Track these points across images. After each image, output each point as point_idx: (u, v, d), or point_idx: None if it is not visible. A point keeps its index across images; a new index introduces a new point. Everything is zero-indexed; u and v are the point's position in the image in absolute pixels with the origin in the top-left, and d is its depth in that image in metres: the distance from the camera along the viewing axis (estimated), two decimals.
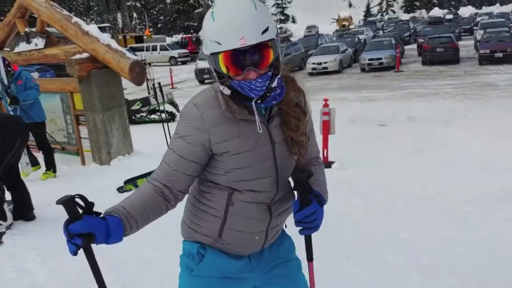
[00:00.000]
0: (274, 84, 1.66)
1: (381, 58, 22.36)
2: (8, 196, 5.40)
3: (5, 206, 5.16)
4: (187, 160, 1.72)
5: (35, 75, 22.52)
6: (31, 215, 5.45)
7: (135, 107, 12.97)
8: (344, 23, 62.96)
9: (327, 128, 7.45)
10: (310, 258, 2.05)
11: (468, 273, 3.62)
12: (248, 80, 1.61)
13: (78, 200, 1.56)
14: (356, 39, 30.09)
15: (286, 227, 2.07)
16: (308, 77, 23.11)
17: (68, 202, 1.52)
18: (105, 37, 7.36)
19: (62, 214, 4.00)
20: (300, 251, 2.08)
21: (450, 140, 8.33)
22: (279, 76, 1.68)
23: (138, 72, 7.11)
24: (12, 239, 4.90)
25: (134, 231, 1.65)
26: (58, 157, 8.45)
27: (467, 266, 3.72)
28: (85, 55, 7.38)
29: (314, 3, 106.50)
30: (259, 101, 1.67)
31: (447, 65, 21.62)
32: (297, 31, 63.60)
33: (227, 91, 1.68)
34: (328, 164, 7.16)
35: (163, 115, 12.66)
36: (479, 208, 4.89)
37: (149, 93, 8.42)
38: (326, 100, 7.61)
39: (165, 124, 7.43)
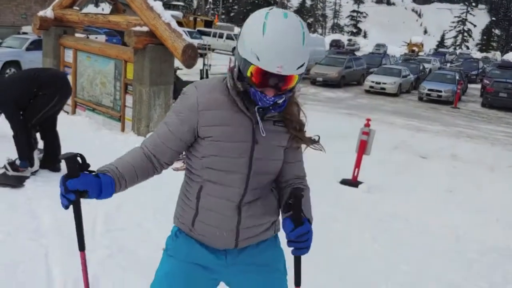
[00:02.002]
0: (281, 101, 1.77)
1: (440, 91, 21.84)
2: (41, 145, 5.66)
3: (35, 153, 5.43)
4: (173, 135, 1.84)
5: (102, 38, 23.32)
6: (57, 167, 5.69)
7: None
8: (414, 48, 61.83)
9: (363, 148, 7.40)
10: (298, 282, 1.96)
11: None
12: (265, 94, 1.71)
13: (78, 159, 1.71)
14: (421, 67, 29.51)
15: (276, 236, 2.10)
16: (364, 94, 22.90)
17: (70, 159, 1.67)
18: (167, 15, 7.55)
19: None
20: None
21: (488, 187, 8.09)
22: (288, 96, 1.79)
23: (190, 55, 7.28)
24: (34, 185, 5.14)
25: (122, 190, 1.82)
26: (101, 119, 8.77)
27: None
28: (144, 28, 7.61)
29: (391, 22, 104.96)
30: (261, 109, 1.79)
31: (507, 111, 20.91)
32: (365, 47, 63.05)
33: (241, 87, 1.76)
34: (356, 184, 7.13)
35: None
36: (490, 259, 4.78)
37: (201, 77, 8.57)
38: (368, 120, 7.56)
39: None
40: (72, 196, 1.67)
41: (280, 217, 1.98)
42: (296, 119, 1.90)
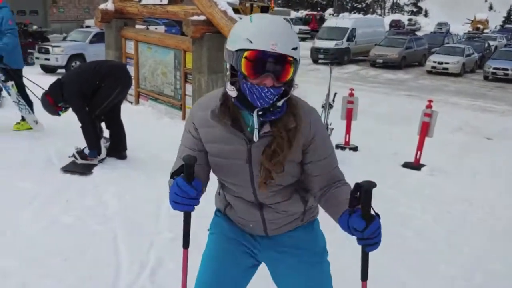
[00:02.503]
0: (280, 103, 1.71)
1: (507, 69, 20.88)
2: (106, 134, 5.90)
3: (102, 142, 5.66)
4: (188, 149, 1.87)
5: (162, 28, 23.80)
6: (123, 155, 5.91)
7: None
8: (478, 25, 59.09)
9: (425, 130, 7.21)
10: (365, 276, 1.84)
11: None
12: (263, 85, 1.64)
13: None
14: (486, 45, 28.26)
15: (313, 222, 2.08)
16: (425, 75, 22.26)
17: (192, 159, 1.68)
18: (223, 3, 7.60)
19: (149, 161, 4.35)
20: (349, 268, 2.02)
21: None
22: (286, 98, 1.73)
23: None
24: (101, 172, 5.37)
25: None
26: (163, 108, 9.00)
27: None
28: (202, 17, 7.70)
29: (453, 0, 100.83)
30: (260, 113, 1.71)
31: None
32: (426, 26, 60.99)
33: (233, 93, 1.71)
34: (418, 167, 6.98)
35: None
36: None
37: None
38: (430, 101, 7.36)
39: None
40: (199, 197, 1.71)
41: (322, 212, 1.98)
42: (286, 128, 1.74)
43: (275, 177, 1.80)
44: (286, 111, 1.75)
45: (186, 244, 1.93)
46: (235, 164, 1.83)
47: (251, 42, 1.60)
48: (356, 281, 1.85)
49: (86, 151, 5.45)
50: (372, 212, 1.66)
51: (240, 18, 7.84)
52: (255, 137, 1.74)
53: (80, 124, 5.37)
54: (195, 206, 1.73)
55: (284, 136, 1.74)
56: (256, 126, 1.73)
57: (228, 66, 1.73)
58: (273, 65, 1.62)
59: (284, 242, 2.04)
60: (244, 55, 1.62)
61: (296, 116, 1.76)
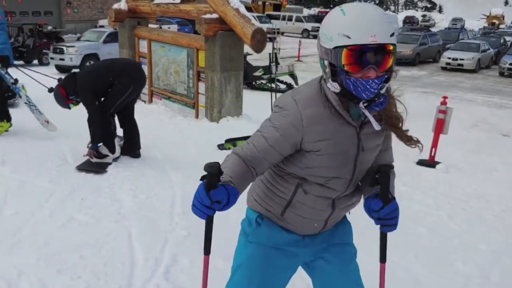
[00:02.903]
0: (383, 90, 1.70)
1: None
2: (120, 132, 5.94)
3: (116, 141, 5.71)
4: (275, 151, 1.79)
5: (174, 27, 23.88)
6: (137, 153, 5.96)
7: (257, 73, 13.24)
8: (494, 21, 58.38)
9: (440, 127, 7.14)
10: (383, 259, 2.00)
11: None
12: (366, 78, 1.63)
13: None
14: (502, 40, 27.88)
15: (349, 213, 2.12)
16: (440, 71, 22.05)
17: (214, 168, 1.63)
18: (236, 1, 7.61)
19: (163, 160, 4.39)
20: (369, 251, 2.06)
21: None
22: (388, 84, 1.72)
23: (259, 40, 7.32)
24: (115, 171, 5.42)
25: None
26: (176, 107, 9.04)
27: None
28: (214, 15, 7.72)
29: None
30: (365, 104, 1.70)
31: None
32: (440, 22, 60.46)
33: (336, 89, 1.69)
34: (433, 164, 6.91)
35: (281, 86, 12.95)
36: None
37: (270, 62, 8.60)
38: (445, 98, 7.28)
39: (275, 94, 7.59)
40: (216, 206, 1.65)
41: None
42: (394, 115, 1.82)
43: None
44: (388, 101, 1.77)
45: (207, 250, 1.90)
46: (345, 155, 1.80)
47: (349, 38, 1.58)
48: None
49: (101, 149, 5.49)
50: (389, 196, 1.79)
51: (254, 16, 7.89)
52: (376, 126, 1.73)
53: (87, 117, 5.42)
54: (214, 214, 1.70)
55: (393, 115, 1.81)
56: (368, 115, 1.72)
57: (326, 63, 1.69)
58: (374, 56, 1.60)
59: (328, 235, 2.06)
60: (344, 52, 1.60)
61: (397, 105, 1.83)
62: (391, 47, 1.61)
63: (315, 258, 2.08)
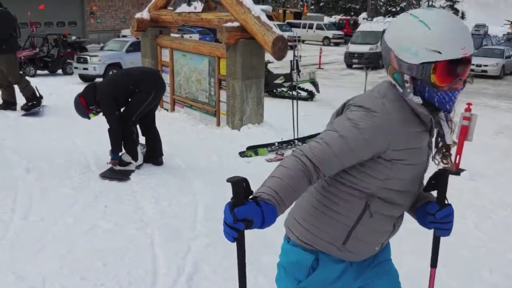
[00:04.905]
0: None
1: None
2: (142, 140, 5.98)
3: (139, 148, 5.75)
4: (353, 155, 1.62)
5: (196, 37, 24.07)
6: (160, 161, 5.99)
7: (278, 81, 13.24)
8: None
9: (464, 133, 7.03)
10: (434, 263, 2.01)
11: None
12: (453, 90, 1.61)
13: (244, 184, 1.51)
14: None
15: None
16: None
17: (239, 183, 1.48)
18: (257, 9, 7.63)
19: (185, 167, 4.38)
20: (417, 255, 2.01)
21: None
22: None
23: (280, 47, 7.32)
24: (138, 178, 5.45)
25: (282, 213, 1.59)
26: (198, 115, 9.08)
27: None
28: (235, 24, 7.75)
29: (490, 1, 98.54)
30: (446, 113, 1.71)
31: None
32: None
33: (418, 100, 1.65)
34: (457, 172, 6.79)
35: (302, 93, 12.92)
36: None
37: (291, 69, 8.60)
38: (469, 104, 7.17)
39: (297, 102, 7.58)
40: (241, 226, 1.46)
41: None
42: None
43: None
44: None
45: (242, 286, 1.64)
46: (421, 166, 1.76)
47: (440, 53, 1.55)
48: None
49: (124, 156, 5.54)
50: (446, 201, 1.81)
51: (275, 25, 7.93)
52: (455, 138, 1.74)
53: (108, 127, 5.46)
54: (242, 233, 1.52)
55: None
56: (445, 125, 1.72)
57: (407, 77, 1.64)
58: (462, 68, 1.59)
59: (380, 254, 1.96)
60: (434, 67, 1.57)
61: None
62: (471, 56, 1.61)
63: (364, 284, 1.96)
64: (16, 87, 8.27)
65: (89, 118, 5.65)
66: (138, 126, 5.86)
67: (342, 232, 1.76)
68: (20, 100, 8.34)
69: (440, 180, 1.79)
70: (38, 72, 17.64)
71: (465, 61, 1.57)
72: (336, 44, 38.31)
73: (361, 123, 1.60)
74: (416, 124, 1.68)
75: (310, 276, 1.82)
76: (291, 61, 8.32)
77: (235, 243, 1.54)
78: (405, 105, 1.67)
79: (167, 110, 9.76)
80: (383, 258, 2.00)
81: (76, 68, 17.01)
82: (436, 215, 1.79)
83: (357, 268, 1.88)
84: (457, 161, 6.99)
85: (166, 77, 9.26)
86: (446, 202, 1.81)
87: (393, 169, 1.67)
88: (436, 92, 1.61)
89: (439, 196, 1.80)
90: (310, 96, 13.41)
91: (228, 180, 1.49)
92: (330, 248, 1.79)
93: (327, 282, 1.85)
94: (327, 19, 52.37)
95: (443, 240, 4.39)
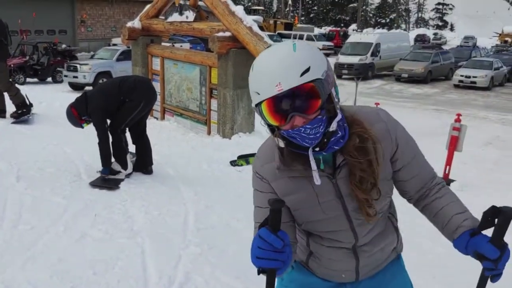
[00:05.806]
0: (333, 127, 1.49)
1: None
2: (132, 149, 5.96)
3: (128, 157, 5.73)
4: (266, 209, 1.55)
5: (187, 46, 24.09)
6: (150, 170, 5.96)
7: None
8: (506, 38, 58.18)
9: (454, 144, 7.12)
10: None
11: None
12: (296, 128, 1.46)
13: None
14: None
15: (398, 257, 1.94)
16: (452, 89, 22.03)
17: (279, 205, 1.40)
18: (248, 20, 7.68)
19: (175, 176, 4.37)
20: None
21: None
22: (338, 118, 1.50)
23: None
24: (127, 187, 5.42)
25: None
26: (188, 123, 9.07)
27: None
28: (227, 33, 7.78)
29: (480, 13, 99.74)
30: (317, 149, 1.52)
31: None
32: (452, 40, 60.48)
33: (281, 144, 1.55)
34: (447, 182, 6.85)
35: None
36: None
37: None
38: (458, 115, 7.27)
39: None
40: (288, 250, 1.41)
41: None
42: (355, 160, 1.56)
43: (375, 204, 1.62)
44: (349, 133, 1.55)
45: None
46: (324, 206, 1.64)
47: (259, 94, 1.46)
48: None
49: (113, 165, 5.51)
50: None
51: (266, 35, 7.97)
52: (317, 179, 1.56)
53: (97, 140, 5.45)
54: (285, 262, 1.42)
55: (362, 159, 1.56)
56: (311, 158, 1.53)
57: (263, 122, 1.56)
58: (291, 103, 1.43)
59: (378, 284, 1.87)
60: (262, 108, 1.47)
61: (363, 133, 1.56)
62: (313, 84, 1.41)
63: None
64: (6, 94, 8.23)
65: (82, 127, 5.64)
66: (128, 134, 5.84)
67: (304, 253, 1.86)
68: (10, 107, 8.29)
69: (503, 219, 1.49)
70: (28, 80, 17.59)
71: (291, 96, 1.42)
72: (326, 55, 38.22)
73: (253, 183, 1.74)
74: (284, 171, 1.62)
75: (288, 275, 1.91)
76: None
77: (261, 274, 1.44)
78: (274, 153, 1.64)
79: (157, 118, 9.75)
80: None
81: (66, 76, 16.96)
82: (498, 265, 1.52)
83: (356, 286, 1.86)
84: (446, 172, 7.05)
85: (157, 86, 9.26)
86: (504, 243, 1.50)
87: (295, 215, 1.69)
88: (281, 131, 1.50)
89: (497, 238, 1.50)
90: None
91: (269, 202, 1.42)
92: (299, 261, 1.90)
93: (305, 286, 1.90)
94: (317, 30, 52.74)
95: (434, 250, 4.40)
